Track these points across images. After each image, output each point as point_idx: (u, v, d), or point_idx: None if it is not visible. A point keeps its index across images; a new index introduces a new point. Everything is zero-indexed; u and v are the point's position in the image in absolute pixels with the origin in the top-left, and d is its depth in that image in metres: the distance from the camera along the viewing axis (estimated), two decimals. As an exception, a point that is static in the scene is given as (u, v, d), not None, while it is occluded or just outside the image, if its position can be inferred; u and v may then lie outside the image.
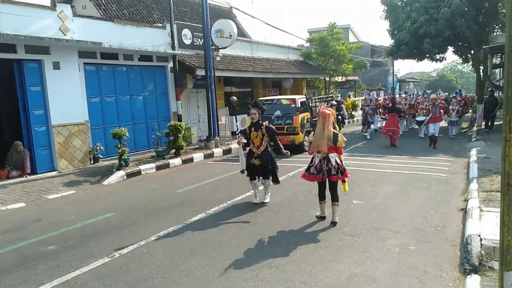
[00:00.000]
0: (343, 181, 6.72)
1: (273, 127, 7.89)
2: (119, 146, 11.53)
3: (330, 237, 5.96)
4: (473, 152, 11.94)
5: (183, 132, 13.61)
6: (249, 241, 5.93)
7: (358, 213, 7.07)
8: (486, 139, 14.84)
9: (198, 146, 15.71)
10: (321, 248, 5.55)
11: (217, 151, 14.91)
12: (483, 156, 11.06)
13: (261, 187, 8.16)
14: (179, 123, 13.72)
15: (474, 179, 8.57)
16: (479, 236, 5.20)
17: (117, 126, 12.71)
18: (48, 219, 7.60)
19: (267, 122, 7.77)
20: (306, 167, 6.83)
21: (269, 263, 5.11)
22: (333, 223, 6.51)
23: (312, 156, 6.75)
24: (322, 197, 6.78)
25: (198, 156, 13.88)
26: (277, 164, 8.13)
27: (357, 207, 7.47)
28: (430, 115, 14.99)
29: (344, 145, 6.50)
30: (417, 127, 19.00)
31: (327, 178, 6.52)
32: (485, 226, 5.58)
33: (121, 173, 11.18)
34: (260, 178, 8.00)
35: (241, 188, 9.10)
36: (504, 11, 20.54)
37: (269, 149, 7.81)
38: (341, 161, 6.55)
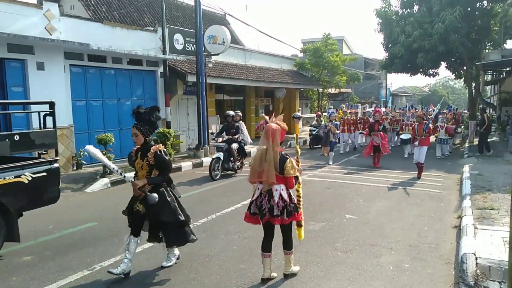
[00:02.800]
0: (299, 225, 5.00)
1: (164, 154, 5.01)
2: (104, 152, 11.20)
3: (322, 253, 5.79)
4: (466, 168, 11.94)
5: (171, 139, 13.38)
6: (238, 255, 5.71)
7: (351, 228, 6.94)
8: (478, 156, 14.75)
9: (186, 154, 15.41)
10: (313, 264, 5.38)
11: (207, 160, 14.58)
12: (475, 173, 11.06)
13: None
14: (167, 130, 13.48)
15: (467, 195, 8.55)
16: (474, 254, 5.15)
17: (102, 131, 12.43)
18: (25, 228, 7.19)
19: (160, 145, 5.09)
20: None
21: (258, 279, 4.92)
22: (286, 276, 4.97)
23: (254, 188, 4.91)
24: (265, 247, 4.85)
25: (186, 164, 13.57)
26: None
27: (350, 222, 7.32)
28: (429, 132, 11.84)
29: (297, 174, 4.69)
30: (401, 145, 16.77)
31: (268, 220, 4.74)
32: (480, 245, 5.54)
33: (105, 180, 10.84)
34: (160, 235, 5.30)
35: (230, 200, 8.89)
36: (496, 28, 20.76)
37: (161, 189, 5.06)
38: (289, 196, 4.72)
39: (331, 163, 14.17)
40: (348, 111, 18.83)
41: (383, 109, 25.05)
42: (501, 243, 5.56)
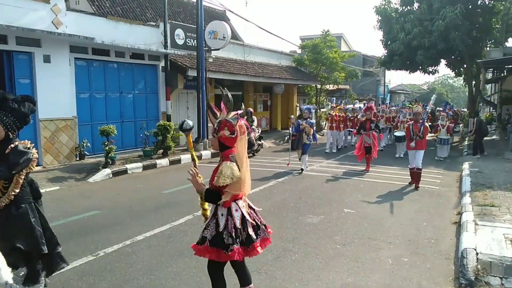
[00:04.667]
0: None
1: (26, 151, 3.62)
2: (106, 143, 11.29)
3: (321, 245, 5.84)
4: (465, 165, 11.89)
5: (172, 132, 13.41)
6: (238, 245, 5.75)
7: (349, 222, 6.98)
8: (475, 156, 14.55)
9: (186, 147, 15.50)
10: (312, 256, 5.43)
11: (206, 153, 14.71)
12: (475, 170, 11.02)
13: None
14: (168, 123, 13.54)
15: (467, 192, 8.51)
16: (475, 250, 5.12)
17: (105, 123, 12.47)
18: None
19: (26, 141, 3.80)
20: None
21: (258, 269, 4.97)
22: None
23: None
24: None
25: (186, 157, 13.63)
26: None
27: (348, 215, 7.37)
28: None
29: (228, 183, 3.46)
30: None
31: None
32: (480, 240, 5.50)
33: (107, 171, 10.93)
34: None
35: (230, 192, 8.90)
36: (498, 26, 20.75)
37: (23, 204, 3.73)
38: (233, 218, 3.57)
39: (304, 167, 11.69)
40: (337, 107, 17.15)
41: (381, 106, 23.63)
42: (503, 239, 5.51)
